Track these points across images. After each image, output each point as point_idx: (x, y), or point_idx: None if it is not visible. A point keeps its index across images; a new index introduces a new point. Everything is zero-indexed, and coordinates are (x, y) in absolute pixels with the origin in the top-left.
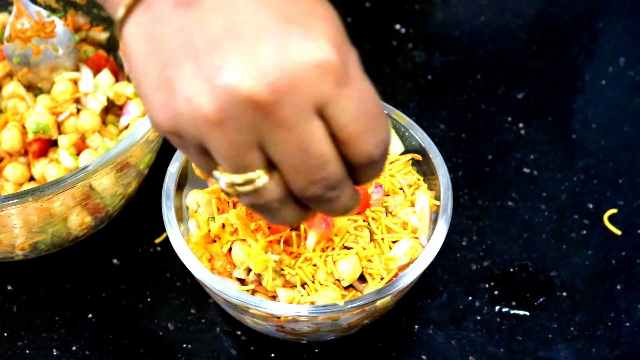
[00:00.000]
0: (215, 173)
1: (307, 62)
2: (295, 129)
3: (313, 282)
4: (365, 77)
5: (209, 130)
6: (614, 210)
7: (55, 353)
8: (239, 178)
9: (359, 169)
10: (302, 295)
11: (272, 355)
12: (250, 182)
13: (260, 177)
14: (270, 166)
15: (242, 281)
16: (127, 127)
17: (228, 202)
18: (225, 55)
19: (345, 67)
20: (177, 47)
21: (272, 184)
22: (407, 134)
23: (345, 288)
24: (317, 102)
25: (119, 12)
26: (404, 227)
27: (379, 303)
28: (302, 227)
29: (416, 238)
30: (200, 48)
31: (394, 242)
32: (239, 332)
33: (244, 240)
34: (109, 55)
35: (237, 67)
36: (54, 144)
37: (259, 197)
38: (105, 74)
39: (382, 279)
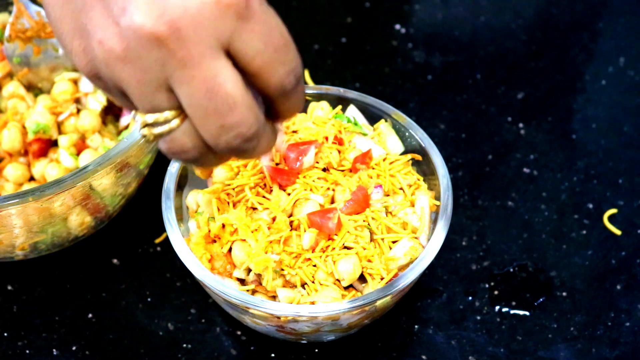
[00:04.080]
0: (133, 113)
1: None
2: (199, 67)
3: (313, 282)
4: (270, 10)
5: (119, 69)
6: (614, 210)
7: (55, 353)
8: (150, 118)
9: (276, 102)
10: (302, 295)
11: (272, 355)
12: (160, 123)
13: (170, 120)
14: (185, 115)
15: (242, 281)
16: (127, 127)
17: (228, 202)
18: None
19: (246, 2)
20: None
21: (184, 129)
22: (407, 134)
23: (345, 288)
24: (221, 38)
25: None
26: (404, 227)
27: (379, 303)
28: (302, 226)
29: (416, 238)
30: None
31: (394, 242)
32: (239, 332)
33: (244, 240)
34: None
35: (140, 7)
36: (54, 144)
37: (173, 143)
38: None
39: (382, 279)
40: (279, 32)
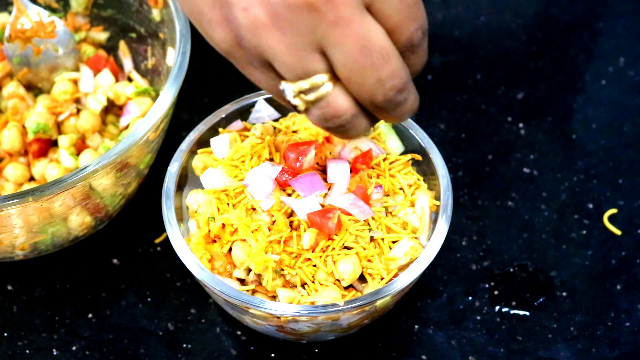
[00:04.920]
0: (282, 84)
1: None
2: (352, 25)
3: (313, 282)
4: None
5: (266, 36)
6: (614, 210)
7: (55, 353)
8: (304, 84)
9: (407, 55)
10: (302, 295)
11: (272, 355)
12: (315, 87)
13: (325, 83)
14: (336, 78)
15: (242, 281)
16: (127, 127)
17: (228, 203)
18: None
19: None
20: None
21: (338, 91)
22: (407, 134)
23: (345, 288)
24: None
25: None
26: (404, 227)
27: (379, 303)
28: (301, 227)
29: (416, 238)
30: None
31: (394, 242)
32: (239, 332)
33: (244, 240)
34: (109, 55)
35: None
36: (54, 144)
37: (328, 107)
38: (105, 74)
39: (382, 279)
40: None
